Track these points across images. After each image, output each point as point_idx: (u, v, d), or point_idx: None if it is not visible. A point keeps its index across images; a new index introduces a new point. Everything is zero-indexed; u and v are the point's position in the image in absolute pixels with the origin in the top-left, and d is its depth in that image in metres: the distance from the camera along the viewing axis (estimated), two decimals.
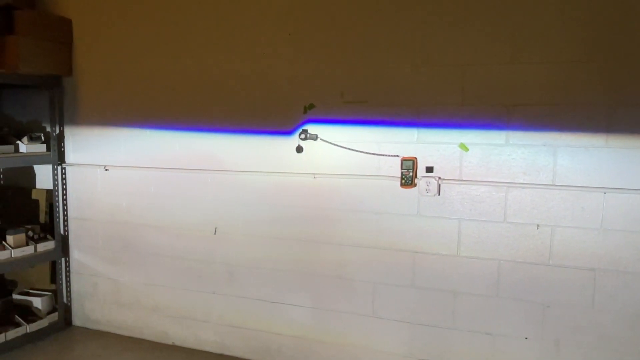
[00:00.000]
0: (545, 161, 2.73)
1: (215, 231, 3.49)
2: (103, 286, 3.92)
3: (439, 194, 2.92)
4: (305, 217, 3.25)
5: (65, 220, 3.96)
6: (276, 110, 3.25)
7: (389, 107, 3.00)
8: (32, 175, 4.09)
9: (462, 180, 2.88)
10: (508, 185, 2.80)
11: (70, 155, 3.90)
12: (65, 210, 3.95)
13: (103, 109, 3.76)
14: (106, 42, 3.69)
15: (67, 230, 3.97)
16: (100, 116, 3.78)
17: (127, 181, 3.73)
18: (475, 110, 2.83)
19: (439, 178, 2.91)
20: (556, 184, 2.72)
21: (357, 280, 3.18)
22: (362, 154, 3.07)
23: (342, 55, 3.07)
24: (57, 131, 3.83)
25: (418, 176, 2.95)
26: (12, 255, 3.56)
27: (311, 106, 3.16)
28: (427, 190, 2.92)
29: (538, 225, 2.77)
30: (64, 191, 3.93)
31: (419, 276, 3.03)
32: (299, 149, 3.20)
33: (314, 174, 3.18)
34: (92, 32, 3.73)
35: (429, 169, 2.93)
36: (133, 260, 3.79)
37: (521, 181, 2.78)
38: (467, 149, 2.86)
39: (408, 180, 2.94)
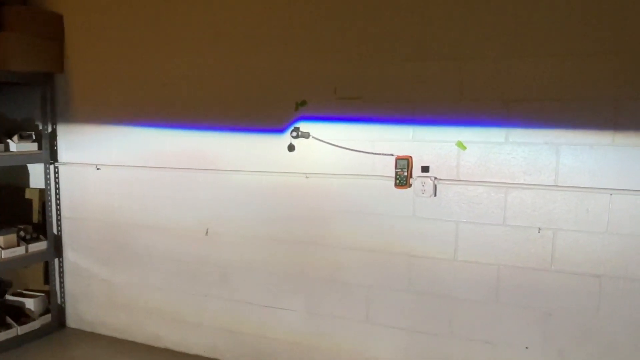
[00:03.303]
0: (547, 160, 2.57)
1: (207, 232, 3.39)
2: (97, 287, 3.85)
3: (435, 195, 2.78)
4: (298, 219, 3.13)
5: (59, 220, 3.89)
6: (267, 107, 3.13)
7: (383, 103, 2.86)
8: (26, 174, 4.03)
9: (460, 180, 2.74)
10: (508, 185, 2.65)
11: (63, 154, 3.83)
12: (58, 209, 3.88)
13: (95, 107, 3.69)
14: (98, 39, 3.61)
15: (61, 230, 3.90)
16: (93, 114, 3.70)
17: (118, 180, 3.65)
18: (474, 106, 2.68)
19: (435, 178, 2.77)
20: (559, 184, 2.56)
21: (350, 284, 3.05)
22: (355, 152, 2.94)
23: (335, 49, 2.94)
24: (50, 129, 3.77)
25: (413, 176, 2.81)
26: (2, 257, 3.50)
27: (303, 103, 3.04)
28: (423, 191, 2.78)
29: (539, 229, 2.61)
30: (57, 190, 3.86)
31: (414, 280, 2.90)
32: (291, 148, 3.08)
33: (306, 173, 3.06)
34: (83, 28, 3.65)
35: (425, 169, 2.79)
36: (126, 261, 3.71)
37: (522, 181, 2.62)
38: (464, 148, 2.71)
39: (402, 180, 2.80)
